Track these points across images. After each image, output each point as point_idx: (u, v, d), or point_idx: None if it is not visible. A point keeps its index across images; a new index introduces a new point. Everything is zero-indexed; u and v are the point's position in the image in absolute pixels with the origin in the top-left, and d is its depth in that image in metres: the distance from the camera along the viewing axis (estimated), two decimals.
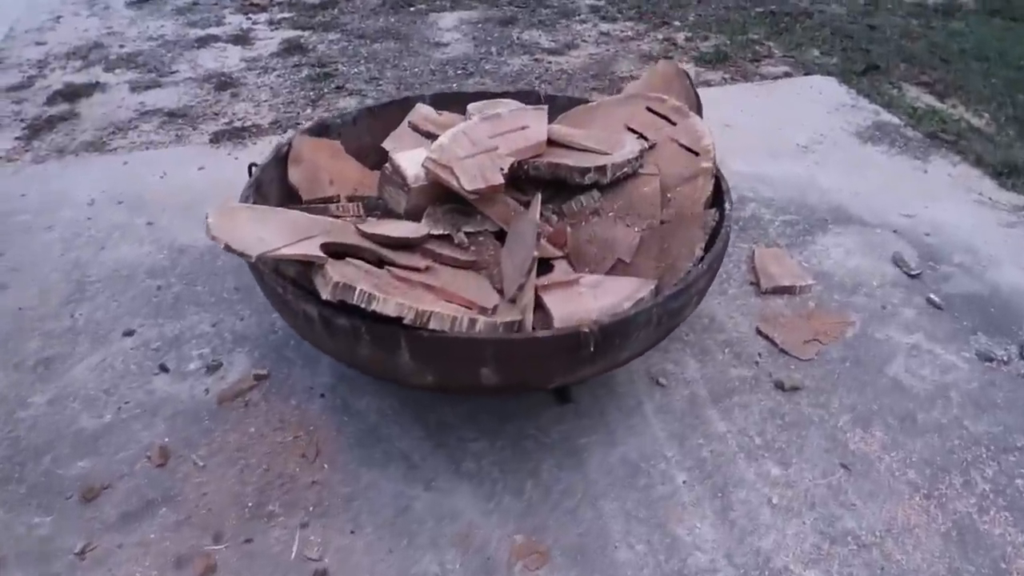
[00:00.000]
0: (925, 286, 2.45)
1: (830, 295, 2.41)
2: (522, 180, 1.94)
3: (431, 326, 1.46)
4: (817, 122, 3.48)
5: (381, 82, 3.87)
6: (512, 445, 1.91)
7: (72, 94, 3.75)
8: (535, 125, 1.96)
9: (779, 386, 2.07)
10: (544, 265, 1.84)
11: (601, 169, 1.90)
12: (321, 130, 2.24)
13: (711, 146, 1.92)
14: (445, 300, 1.57)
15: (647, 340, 1.63)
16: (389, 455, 1.90)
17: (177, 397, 2.07)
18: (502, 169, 1.83)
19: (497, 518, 1.74)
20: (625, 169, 1.93)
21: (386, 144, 2.25)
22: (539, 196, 1.85)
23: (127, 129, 3.46)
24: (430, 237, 1.82)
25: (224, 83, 3.87)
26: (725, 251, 1.74)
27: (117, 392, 2.08)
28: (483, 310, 1.56)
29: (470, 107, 2.15)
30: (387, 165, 1.90)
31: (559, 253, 1.83)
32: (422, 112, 2.31)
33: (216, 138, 3.34)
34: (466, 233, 1.88)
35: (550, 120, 2.26)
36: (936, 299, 2.37)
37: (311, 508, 1.77)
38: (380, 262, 1.67)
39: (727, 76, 3.94)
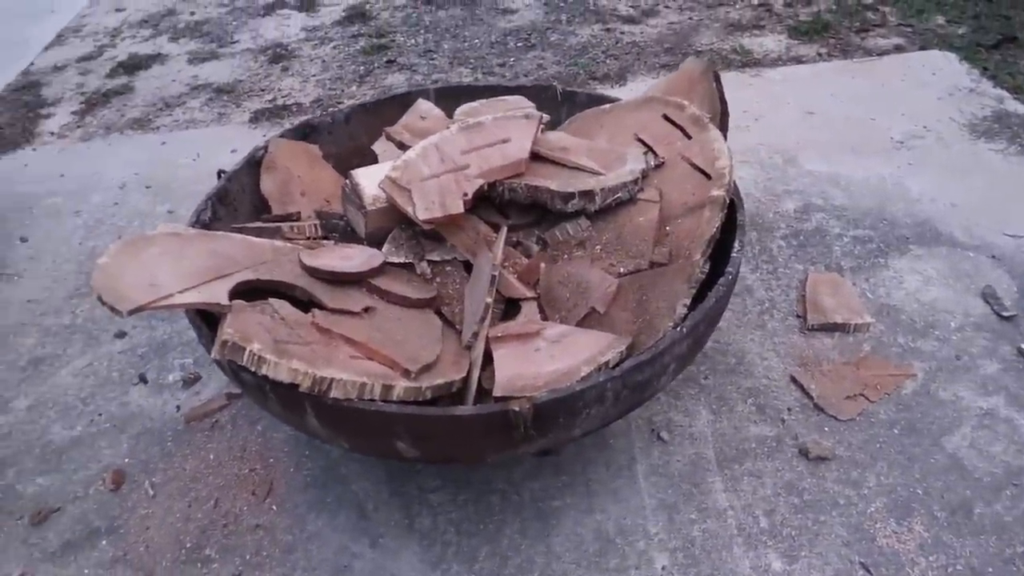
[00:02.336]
0: (1019, 332, 2.00)
1: (892, 337, 2.01)
2: (502, 203, 1.68)
3: (332, 394, 1.26)
4: (922, 110, 2.95)
5: (436, 55, 3.64)
6: (475, 500, 1.70)
7: (133, 66, 3.76)
8: (519, 137, 1.69)
9: (803, 453, 1.73)
10: (514, 306, 1.59)
11: (588, 194, 1.61)
12: (307, 131, 2.05)
13: (727, 169, 1.58)
14: (367, 357, 1.36)
15: (604, 416, 1.36)
16: (342, 500, 1.73)
17: (148, 412, 1.98)
18: (465, 195, 1.57)
19: None
20: (619, 195, 1.63)
21: (376, 147, 2.04)
22: (504, 230, 1.59)
23: (175, 106, 3.42)
24: (387, 266, 1.61)
25: (279, 55, 3.76)
26: (722, 310, 1.42)
27: (93, 402, 2.03)
28: (405, 372, 1.34)
29: (458, 112, 1.89)
30: (346, 182, 1.69)
31: (529, 294, 1.57)
32: (420, 110, 2.08)
33: (256, 117, 3.24)
34: (431, 262, 1.65)
35: (560, 124, 1.98)
36: None
37: (248, 556, 1.64)
38: (312, 303, 1.48)
39: (823, 51, 3.43)
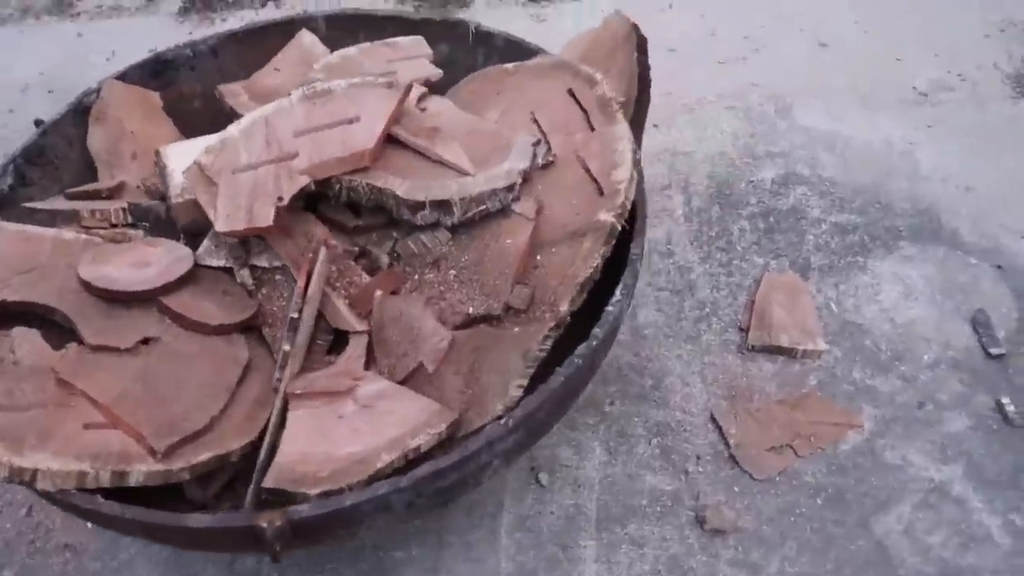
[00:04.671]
0: (1005, 378, 1.63)
1: (847, 369, 1.66)
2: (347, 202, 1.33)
3: (39, 486, 1.00)
4: (961, 49, 2.40)
5: None
6: None
7: None
8: (370, 116, 1.31)
9: (699, 521, 1.45)
10: (341, 340, 1.29)
11: (443, 205, 1.25)
12: (158, 68, 1.68)
13: (624, 185, 1.20)
14: (111, 425, 1.09)
15: (401, 519, 1.08)
16: None
17: None
18: (280, 200, 1.23)
19: None
20: (485, 206, 1.26)
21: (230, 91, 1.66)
22: (323, 252, 1.25)
23: None
24: (200, 271, 1.31)
25: None
26: (572, 400, 1.09)
27: None
28: (151, 451, 1.06)
29: (321, 64, 1.50)
30: (157, 159, 1.35)
31: (359, 327, 1.26)
32: (302, 46, 1.68)
33: (185, 8, 2.83)
34: (256, 268, 1.34)
35: (473, 71, 1.58)
36: (1012, 409, 1.56)
37: None
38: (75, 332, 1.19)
39: None
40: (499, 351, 1.12)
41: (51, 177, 1.54)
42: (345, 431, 1.12)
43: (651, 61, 1.38)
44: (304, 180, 1.25)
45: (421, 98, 1.45)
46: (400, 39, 1.62)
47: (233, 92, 1.50)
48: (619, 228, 1.21)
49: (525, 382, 1.08)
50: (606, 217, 1.20)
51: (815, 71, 2.36)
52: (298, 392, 1.17)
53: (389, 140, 1.34)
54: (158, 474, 1.06)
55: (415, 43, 1.61)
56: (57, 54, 2.69)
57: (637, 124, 1.33)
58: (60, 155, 1.56)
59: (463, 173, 1.29)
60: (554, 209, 1.27)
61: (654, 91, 1.40)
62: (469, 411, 1.13)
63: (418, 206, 1.26)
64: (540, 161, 1.31)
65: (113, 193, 1.45)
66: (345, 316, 1.27)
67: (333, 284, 1.28)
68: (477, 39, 1.68)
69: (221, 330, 1.26)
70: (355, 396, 1.16)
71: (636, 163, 1.25)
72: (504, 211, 1.28)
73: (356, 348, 1.25)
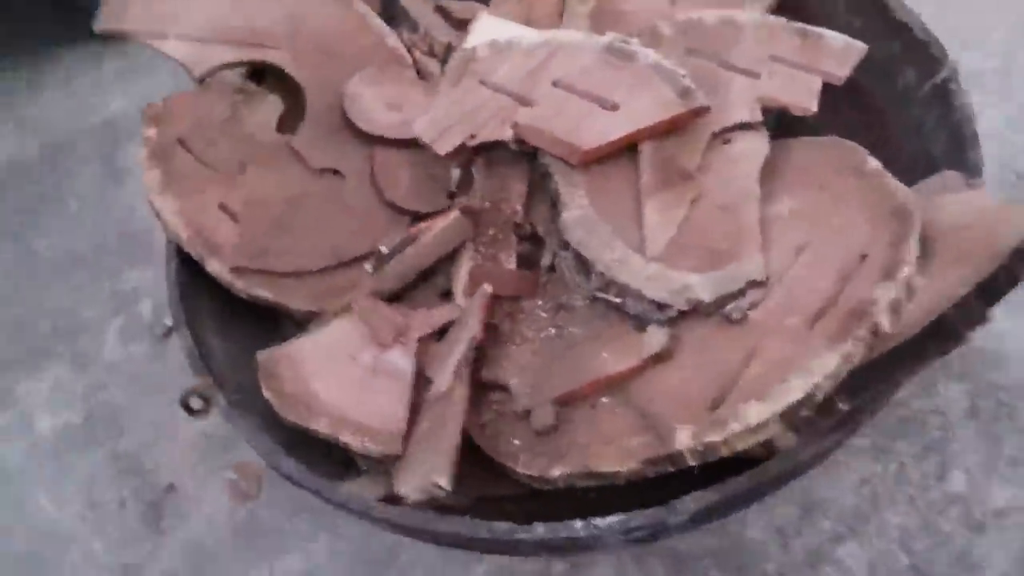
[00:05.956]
0: None
1: None
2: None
3: None
4: None
5: None
6: None
7: None
8: (627, 114, 1.01)
9: None
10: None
11: (601, 279, 0.98)
12: None
13: (737, 427, 0.77)
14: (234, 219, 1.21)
15: None
16: None
17: None
18: (472, 137, 1.10)
19: None
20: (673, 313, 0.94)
21: None
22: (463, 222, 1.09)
23: None
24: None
25: None
26: None
27: None
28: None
29: (677, 19, 1.15)
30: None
31: (459, 300, 1.14)
32: None
33: None
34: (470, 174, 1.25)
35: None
36: None
37: None
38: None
39: None
40: (439, 436, 0.92)
41: None
42: (330, 375, 1.08)
43: None
44: (507, 134, 1.08)
45: (739, 126, 1.06)
46: (829, 34, 1.14)
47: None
48: (686, 465, 0.83)
49: (444, 480, 0.87)
50: (682, 437, 0.82)
51: None
52: (356, 308, 1.15)
53: (632, 151, 1.05)
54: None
55: (845, 49, 1.12)
56: None
57: (892, 372, 0.80)
58: None
59: (640, 250, 0.97)
60: (665, 372, 0.90)
61: None
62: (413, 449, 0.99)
63: (584, 265, 1.01)
64: (734, 313, 0.91)
65: (462, 25, 1.42)
66: (459, 280, 1.15)
67: (478, 243, 1.15)
68: (936, 94, 1.11)
69: (388, 206, 1.25)
70: (381, 356, 1.10)
71: (797, 415, 0.79)
72: (640, 321, 0.96)
73: (438, 316, 1.15)
